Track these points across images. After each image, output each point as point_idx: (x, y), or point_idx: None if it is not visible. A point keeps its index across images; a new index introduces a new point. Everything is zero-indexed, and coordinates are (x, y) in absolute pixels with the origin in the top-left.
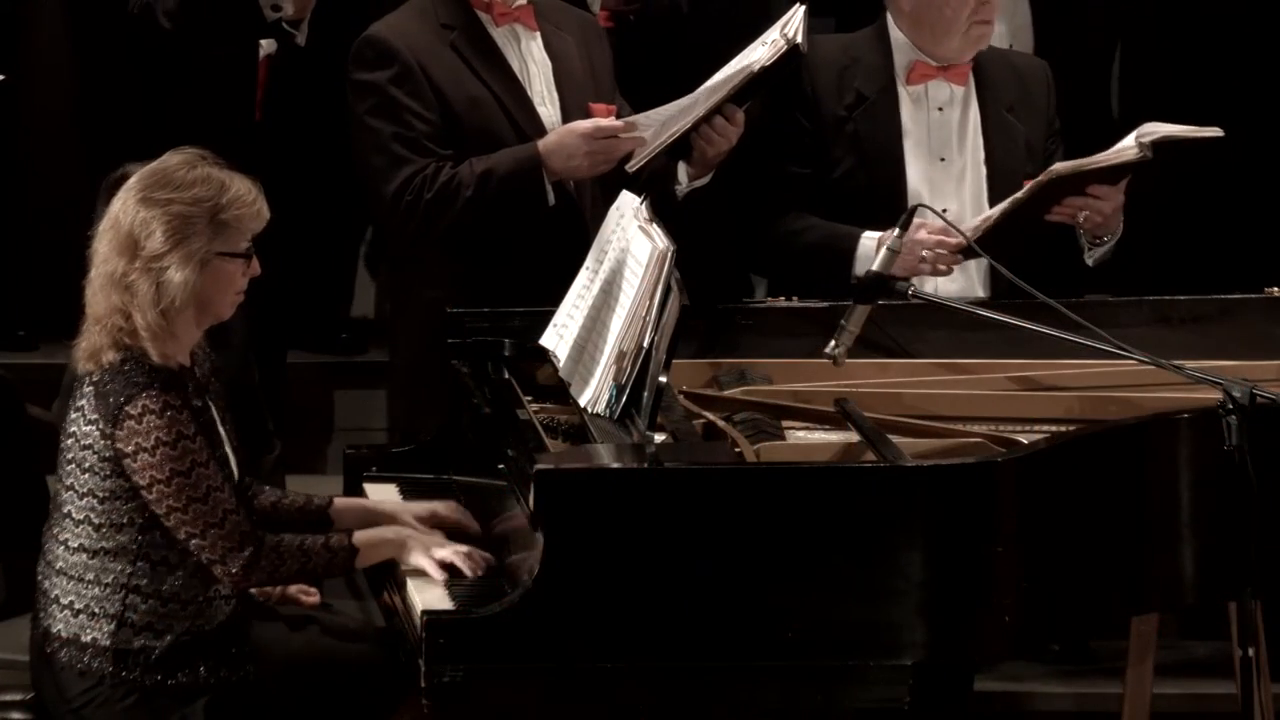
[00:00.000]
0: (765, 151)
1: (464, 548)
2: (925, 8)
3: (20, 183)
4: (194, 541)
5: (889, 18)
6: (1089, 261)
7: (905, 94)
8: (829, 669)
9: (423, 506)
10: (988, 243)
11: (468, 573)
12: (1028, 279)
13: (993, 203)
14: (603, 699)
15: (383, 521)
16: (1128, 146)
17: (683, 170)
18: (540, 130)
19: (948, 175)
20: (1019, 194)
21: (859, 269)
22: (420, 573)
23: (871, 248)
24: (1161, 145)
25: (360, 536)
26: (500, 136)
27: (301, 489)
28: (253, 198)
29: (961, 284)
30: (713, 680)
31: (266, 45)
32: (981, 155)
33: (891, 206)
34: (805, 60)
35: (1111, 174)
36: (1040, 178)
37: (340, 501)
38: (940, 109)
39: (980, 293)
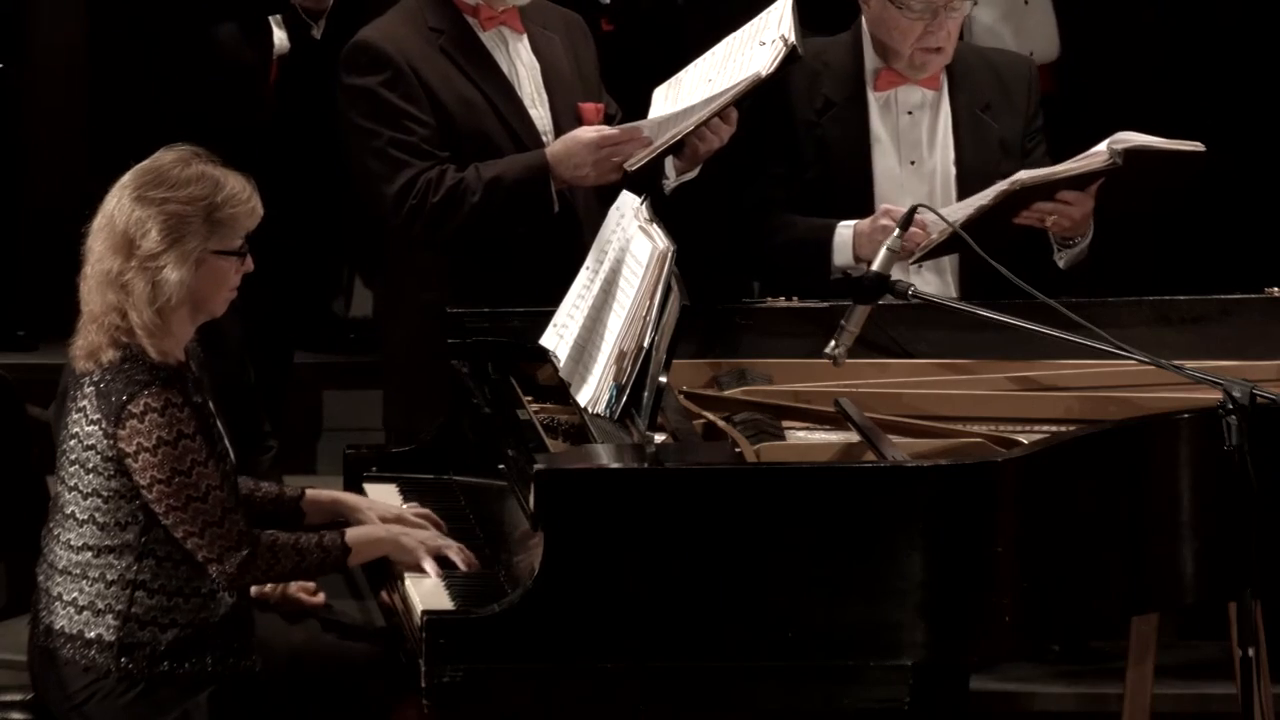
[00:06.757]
0: (744, 151)
1: (454, 543)
2: (877, 26)
3: (21, 183)
4: (191, 540)
5: (864, 23)
6: (1060, 263)
7: (874, 99)
8: (829, 669)
9: (389, 510)
10: (959, 245)
11: (462, 566)
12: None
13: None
14: (603, 699)
15: (350, 515)
16: (1098, 153)
17: (670, 164)
18: (533, 132)
19: (918, 178)
20: (985, 201)
21: (837, 259)
22: (420, 572)
23: (848, 236)
24: (1134, 154)
25: (353, 535)
26: (493, 139)
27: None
28: (247, 195)
29: (936, 284)
30: (713, 680)
31: (279, 45)
32: (952, 157)
33: (859, 211)
34: None
35: (1080, 179)
36: (1005, 186)
37: (311, 493)
38: (910, 113)
39: (953, 293)
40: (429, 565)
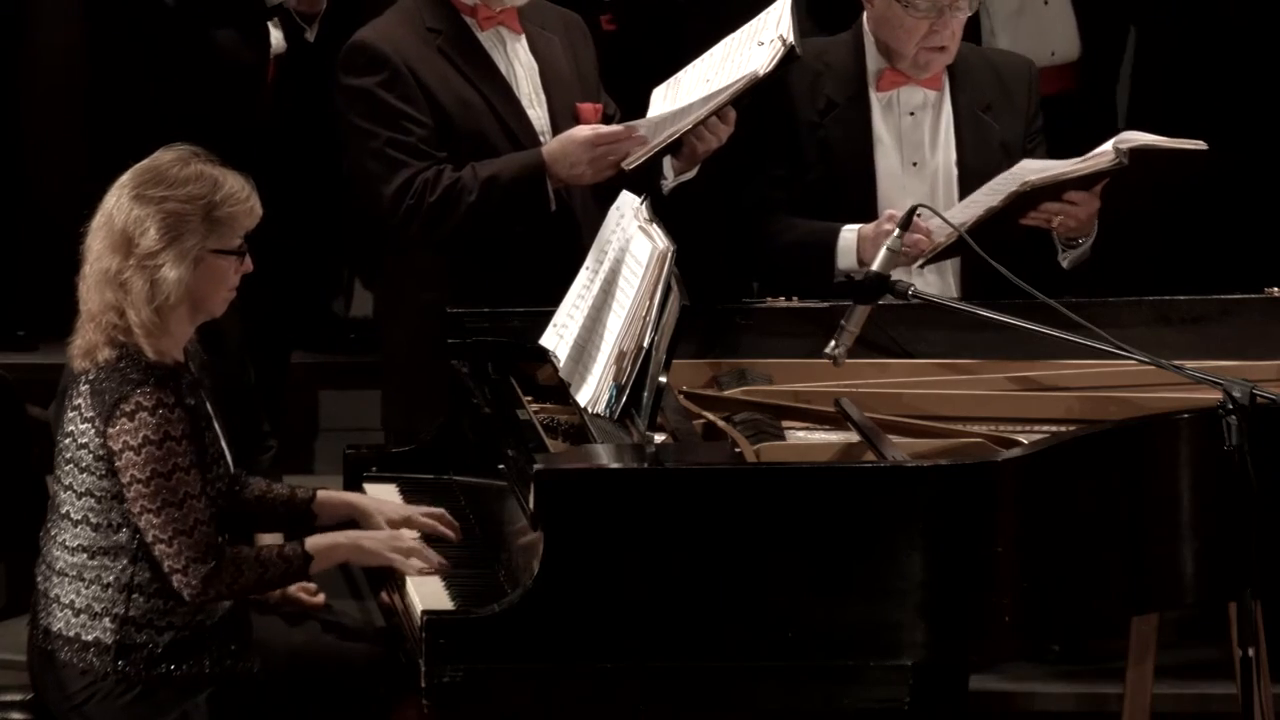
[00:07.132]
0: (744, 152)
1: (419, 545)
2: (881, 26)
3: (21, 182)
4: (159, 547)
5: (865, 23)
6: (1064, 264)
7: (876, 100)
8: (829, 669)
9: (398, 510)
10: (964, 246)
11: (429, 566)
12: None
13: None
14: (603, 699)
15: (360, 517)
16: (1104, 153)
17: (668, 164)
18: (530, 132)
19: (920, 179)
20: (994, 203)
21: (841, 263)
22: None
23: (852, 240)
24: (1139, 154)
25: (313, 543)
26: (491, 139)
27: None
28: (246, 194)
29: (937, 284)
30: (713, 680)
31: (276, 45)
32: (954, 157)
33: (862, 212)
34: None
35: (1086, 180)
36: (1015, 188)
37: (323, 495)
38: (912, 113)
39: (953, 293)
40: (403, 564)
